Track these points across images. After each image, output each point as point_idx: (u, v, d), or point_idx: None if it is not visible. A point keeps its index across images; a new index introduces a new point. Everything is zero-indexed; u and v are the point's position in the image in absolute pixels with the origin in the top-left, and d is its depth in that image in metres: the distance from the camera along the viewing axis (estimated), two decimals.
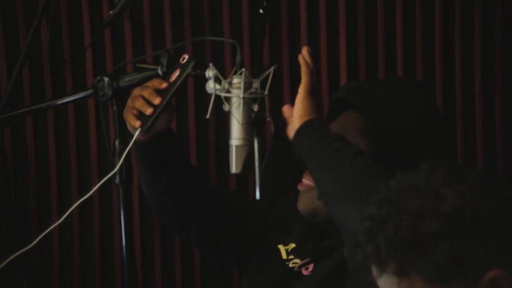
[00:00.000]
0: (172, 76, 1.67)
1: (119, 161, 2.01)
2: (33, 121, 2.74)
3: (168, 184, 1.79)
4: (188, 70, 1.63)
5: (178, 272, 2.82)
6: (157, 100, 1.63)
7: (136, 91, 1.67)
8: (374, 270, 1.16)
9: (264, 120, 2.43)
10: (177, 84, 1.63)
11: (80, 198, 2.72)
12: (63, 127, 2.76)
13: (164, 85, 1.65)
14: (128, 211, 2.02)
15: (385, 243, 1.13)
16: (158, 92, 1.66)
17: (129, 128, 1.69)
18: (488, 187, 1.18)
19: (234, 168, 2.42)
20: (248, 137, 2.39)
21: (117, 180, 2.01)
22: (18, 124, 2.72)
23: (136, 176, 2.65)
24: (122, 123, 2.02)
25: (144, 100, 1.64)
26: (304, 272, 1.66)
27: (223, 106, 2.34)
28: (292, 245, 1.73)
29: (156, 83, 1.67)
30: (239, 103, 2.31)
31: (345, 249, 1.20)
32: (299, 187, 1.68)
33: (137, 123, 1.64)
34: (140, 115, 1.66)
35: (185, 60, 1.65)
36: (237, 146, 2.38)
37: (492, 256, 1.14)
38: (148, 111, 1.64)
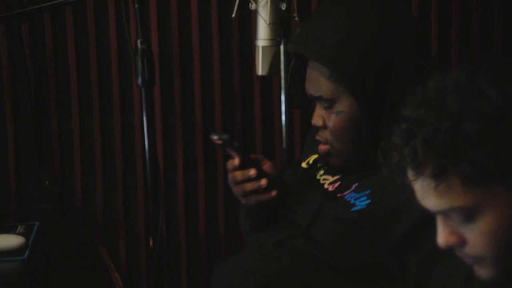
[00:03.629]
0: (231, 154, 1.69)
1: (140, 62, 2.00)
2: (51, 18, 2.71)
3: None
4: (234, 144, 1.65)
5: (201, 174, 2.84)
6: (252, 172, 1.65)
7: (232, 182, 1.69)
8: (410, 173, 1.14)
9: (291, 20, 2.41)
10: (242, 156, 1.66)
11: (100, 98, 2.76)
12: (82, 25, 2.74)
13: (236, 161, 1.67)
14: (150, 113, 2.02)
15: (423, 145, 1.11)
16: (240, 169, 1.68)
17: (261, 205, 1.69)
18: None
19: (260, 69, 2.41)
20: (275, 38, 2.37)
21: (139, 81, 2.00)
22: (36, 20, 2.69)
23: (158, 78, 2.68)
24: (144, 21, 2.00)
25: (247, 182, 1.66)
26: (330, 188, 1.66)
27: (250, 5, 2.31)
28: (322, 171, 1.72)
29: (230, 165, 1.69)
30: (267, 2, 2.28)
31: (380, 153, 1.19)
32: (320, 152, 1.65)
33: (273, 193, 1.66)
34: (257, 192, 1.67)
35: (219, 139, 1.66)
36: (263, 47, 2.37)
37: None
38: (263, 182, 1.65)
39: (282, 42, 2.38)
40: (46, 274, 1.86)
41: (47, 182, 2.46)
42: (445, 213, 1.14)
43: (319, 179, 1.68)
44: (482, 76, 1.13)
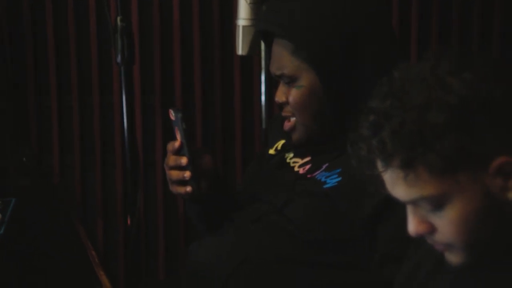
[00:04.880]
0: (177, 134, 1.66)
1: (120, 39, 2.00)
2: None
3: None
4: (182, 125, 1.62)
5: None
6: (184, 160, 1.63)
7: (165, 166, 1.68)
8: (379, 165, 1.17)
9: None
10: (185, 141, 1.63)
11: (79, 75, 2.76)
12: (61, 0, 2.73)
13: (177, 144, 1.65)
14: (130, 92, 2.02)
15: (390, 137, 1.14)
16: (178, 153, 1.66)
17: (185, 198, 1.70)
18: (498, 73, 1.16)
19: (240, 49, 2.41)
20: (255, 17, 2.38)
21: (118, 59, 2.01)
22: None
23: (137, 57, 2.68)
24: None
25: (176, 169, 1.65)
26: (301, 171, 1.68)
27: None
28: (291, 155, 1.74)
29: (170, 147, 1.67)
30: None
31: (348, 145, 1.21)
32: (285, 129, 1.67)
33: (188, 189, 1.65)
34: (184, 182, 1.66)
35: (174, 115, 1.63)
36: (244, 27, 2.38)
37: (499, 143, 1.13)
38: (186, 174, 1.64)
39: None
40: (22, 250, 1.86)
41: (24, 159, 2.49)
42: (414, 202, 1.17)
43: (289, 162, 1.70)
44: (445, 66, 1.15)
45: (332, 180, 1.59)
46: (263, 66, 2.47)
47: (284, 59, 1.60)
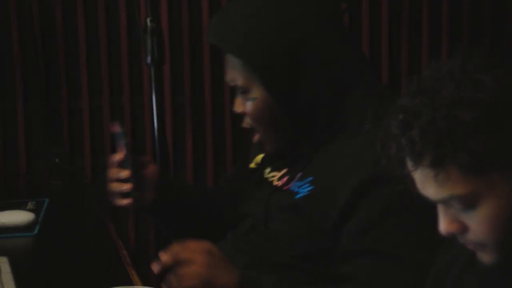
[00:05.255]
0: (119, 147, 1.67)
1: (150, 40, 2.02)
2: None
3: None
4: (125, 138, 1.63)
5: (210, 154, 2.86)
6: (124, 174, 1.63)
7: (108, 179, 1.67)
8: (409, 164, 1.16)
9: None
10: (127, 154, 1.63)
11: (110, 76, 2.79)
12: (92, 3, 2.76)
13: (118, 157, 1.65)
14: (160, 92, 2.04)
15: (420, 135, 1.13)
16: (120, 165, 1.65)
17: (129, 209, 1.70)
18: None
19: None
20: None
21: (148, 59, 2.03)
22: None
23: (167, 57, 2.69)
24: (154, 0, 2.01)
25: (118, 182, 1.64)
26: (279, 184, 1.65)
27: None
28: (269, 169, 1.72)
29: (112, 160, 1.67)
30: None
31: (377, 143, 1.20)
32: (254, 142, 1.64)
33: (125, 201, 1.64)
34: (126, 194, 1.65)
35: (119, 131, 1.65)
36: None
37: None
38: (126, 187, 1.63)
39: None
40: (55, 250, 1.89)
41: (57, 160, 2.50)
42: (445, 202, 1.17)
43: (267, 177, 1.67)
44: (475, 64, 1.14)
45: (304, 190, 1.56)
46: None
47: (235, 70, 1.57)
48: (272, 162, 1.67)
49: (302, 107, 1.54)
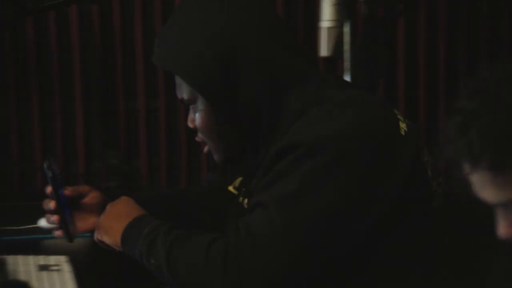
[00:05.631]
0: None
1: None
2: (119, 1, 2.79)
3: None
4: (49, 173, 1.64)
5: None
6: (52, 204, 1.65)
7: None
8: (466, 167, 1.16)
9: (356, 1, 2.41)
10: (52, 187, 1.65)
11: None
12: (149, 5, 2.80)
13: (48, 190, 1.67)
14: None
15: (478, 138, 1.12)
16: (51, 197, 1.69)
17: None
18: None
19: (324, 50, 2.42)
20: (339, 19, 2.38)
21: None
22: (105, 2, 2.78)
23: None
24: None
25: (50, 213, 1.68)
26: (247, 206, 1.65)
27: None
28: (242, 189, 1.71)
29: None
30: None
31: (435, 146, 1.20)
32: (204, 152, 1.66)
33: (56, 233, 1.68)
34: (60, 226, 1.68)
35: (43, 167, 1.66)
36: (327, 28, 2.39)
37: None
38: (54, 219, 1.66)
39: (348, 24, 2.38)
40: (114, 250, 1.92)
41: (114, 161, 2.57)
42: (504, 205, 1.16)
43: (242, 204, 1.66)
44: None
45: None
46: (347, 68, 2.47)
47: (181, 86, 1.59)
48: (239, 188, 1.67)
49: (243, 114, 1.54)
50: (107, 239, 1.58)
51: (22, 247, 1.80)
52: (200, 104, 1.58)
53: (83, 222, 1.71)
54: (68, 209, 1.69)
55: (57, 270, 1.70)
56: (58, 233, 1.68)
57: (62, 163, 2.79)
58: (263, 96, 1.53)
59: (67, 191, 1.69)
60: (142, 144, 2.85)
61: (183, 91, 1.59)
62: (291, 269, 1.41)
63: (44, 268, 1.70)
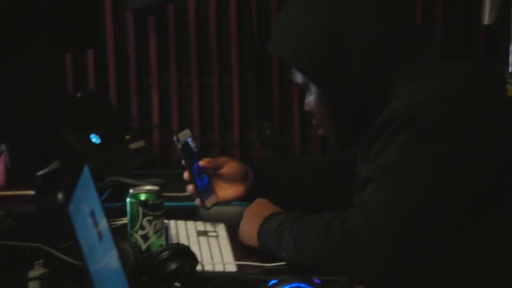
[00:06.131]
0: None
1: None
2: None
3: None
4: (178, 145, 1.77)
5: None
6: (185, 175, 1.82)
7: None
8: None
9: None
10: (184, 159, 1.79)
11: None
12: None
13: (186, 175, 1.83)
14: None
15: None
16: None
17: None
18: None
19: (488, 18, 2.34)
20: None
21: None
22: None
23: None
24: None
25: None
26: None
27: None
28: None
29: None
30: None
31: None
32: (319, 135, 1.73)
33: (196, 202, 1.84)
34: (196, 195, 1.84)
35: (178, 148, 1.78)
36: None
37: None
38: (189, 189, 1.83)
39: None
40: None
41: (267, 132, 2.60)
42: None
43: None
44: None
45: None
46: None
47: (296, 71, 1.65)
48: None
49: (352, 98, 1.57)
50: (249, 242, 1.68)
51: (183, 213, 1.89)
52: (312, 88, 1.64)
53: (224, 192, 1.85)
54: (205, 178, 1.81)
55: (215, 236, 1.75)
56: (196, 201, 1.82)
57: (217, 134, 2.87)
58: (370, 79, 1.56)
59: (202, 162, 1.81)
60: (295, 116, 2.88)
61: (297, 77, 1.66)
62: (404, 236, 1.43)
63: (203, 233, 1.76)
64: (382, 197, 1.45)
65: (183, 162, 1.80)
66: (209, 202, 1.82)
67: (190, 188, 1.82)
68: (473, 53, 1.67)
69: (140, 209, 1.64)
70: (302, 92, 2.78)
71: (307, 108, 1.69)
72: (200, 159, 1.82)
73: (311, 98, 1.66)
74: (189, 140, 1.80)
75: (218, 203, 1.84)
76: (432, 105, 1.45)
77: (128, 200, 1.65)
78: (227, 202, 1.86)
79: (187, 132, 1.80)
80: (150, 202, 1.64)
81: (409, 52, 1.56)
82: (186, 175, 1.81)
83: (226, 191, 1.85)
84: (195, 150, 1.81)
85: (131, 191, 1.66)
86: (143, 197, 1.64)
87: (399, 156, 1.44)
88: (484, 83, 1.51)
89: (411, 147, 1.44)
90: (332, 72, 1.57)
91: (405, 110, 1.46)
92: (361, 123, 1.59)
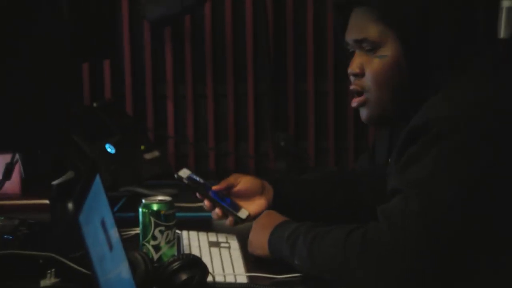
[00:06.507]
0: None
1: None
2: None
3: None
4: (186, 182, 1.80)
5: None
6: (207, 205, 1.83)
7: None
8: None
9: None
10: (198, 194, 1.83)
11: (335, 62, 2.81)
12: None
13: (207, 204, 1.84)
14: None
15: None
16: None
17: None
18: None
19: (502, 32, 2.31)
20: None
21: None
22: None
23: None
24: None
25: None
26: None
27: None
28: None
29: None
30: None
31: None
32: (353, 105, 1.63)
33: (228, 223, 1.83)
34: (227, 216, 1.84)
35: (186, 183, 1.82)
36: (508, 8, 2.24)
37: None
38: (216, 213, 1.83)
39: None
40: None
41: (282, 143, 2.59)
42: None
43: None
44: None
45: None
46: None
47: (367, 25, 1.55)
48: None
49: (423, 73, 1.51)
50: (259, 252, 1.67)
51: (196, 224, 1.88)
52: (387, 50, 1.54)
53: (249, 206, 1.83)
54: (227, 199, 1.81)
55: (227, 247, 1.75)
56: (228, 221, 1.81)
57: (232, 144, 2.87)
58: (445, 58, 1.51)
59: (216, 187, 1.80)
60: (310, 126, 2.88)
61: (368, 31, 1.55)
62: (427, 251, 1.41)
63: (214, 244, 1.76)
64: (409, 209, 1.42)
65: (197, 194, 1.81)
66: (243, 214, 1.82)
67: (217, 212, 1.82)
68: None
69: (152, 219, 1.64)
70: (318, 100, 2.85)
71: (357, 70, 1.59)
72: (210, 185, 1.83)
73: (378, 60, 1.55)
74: (192, 174, 1.82)
75: (251, 218, 1.82)
76: (469, 119, 1.42)
77: (140, 210, 1.66)
78: (256, 217, 1.80)
79: (185, 170, 1.82)
80: (162, 212, 1.65)
81: (473, 53, 1.54)
82: (207, 203, 1.81)
83: (250, 207, 1.83)
84: (202, 180, 1.83)
85: (143, 201, 1.66)
86: (155, 207, 1.65)
87: (431, 170, 1.42)
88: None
89: (444, 162, 1.42)
90: (422, 37, 1.51)
91: (441, 121, 1.43)
92: (413, 101, 1.53)
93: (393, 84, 1.55)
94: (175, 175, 1.79)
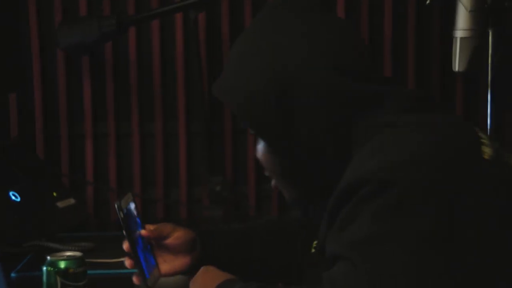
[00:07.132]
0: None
1: None
2: (229, 8, 2.71)
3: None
4: (120, 215, 1.63)
5: None
6: (125, 247, 1.67)
7: None
8: None
9: (501, 8, 2.21)
10: (125, 232, 1.64)
11: None
12: None
13: (125, 245, 1.68)
14: None
15: None
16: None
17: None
18: None
19: (456, 65, 2.24)
20: (477, 28, 2.20)
21: None
22: (213, 10, 2.72)
23: None
24: None
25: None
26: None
27: None
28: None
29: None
30: None
31: None
32: (273, 188, 1.66)
33: (134, 279, 1.70)
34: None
35: (119, 216, 1.65)
36: (462, 39, 2.20)
37: None
38: (127, 264, 1.69)
39: (489, 34, 2.21)
40: None
41: (218, 188, 2.50)
42: None
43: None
44: None
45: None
46: (489, 84, 2.28)
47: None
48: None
49: (304, 152, 1.50)
50: None
51: (114, 283, 1.85)
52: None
53: (167, 264, 1.72)
54: (146, 251, 1.67)
55: None
56: (134, 278, 1.68)
57: (161, 189, 2.74)
58: (326, 130, 1.47)
59: (145, 232, 1.68)
60: (250, 169, 2.74)
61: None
62: None
63: None
64: (355, 275, 1.37)
65: (124, 232, 1.66)
66: (152, 279, 1.67)
67: (128, 262, 1.68)
68: (442, 105, 1.62)
69: (59, 279, 1.57)
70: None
71: (257, 156, 1.61)
72: (143, 226, 1.70)
73: (260, 146, 1.58)
74: (132, 206, 1.68)
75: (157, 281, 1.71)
76: (405, 170, 1.38)
77: (44, 268, 1.58)
78: (170, 276, 1.73)
79: (129, 196, 1.68)
80: (71, 270, 1.57)
81: (374, 101, 1.48)
82: (125, 246, 1.67)
83: (170, 263, 1.74)
84: (138, 217, 1.70)
85: (48, 258, 1.58)
86: (62, 264, 1.57)
87: (371, 228, 1.37)
88: (459, 146, 1.44)
89: (383, 218, 1.37)
90: (280, 122, 1.49)
91: (374, 174, 1.39)
92: (316, 180, 1.53)
93: (274, 168, 1.57)
94: (116, 204, 1.63)
